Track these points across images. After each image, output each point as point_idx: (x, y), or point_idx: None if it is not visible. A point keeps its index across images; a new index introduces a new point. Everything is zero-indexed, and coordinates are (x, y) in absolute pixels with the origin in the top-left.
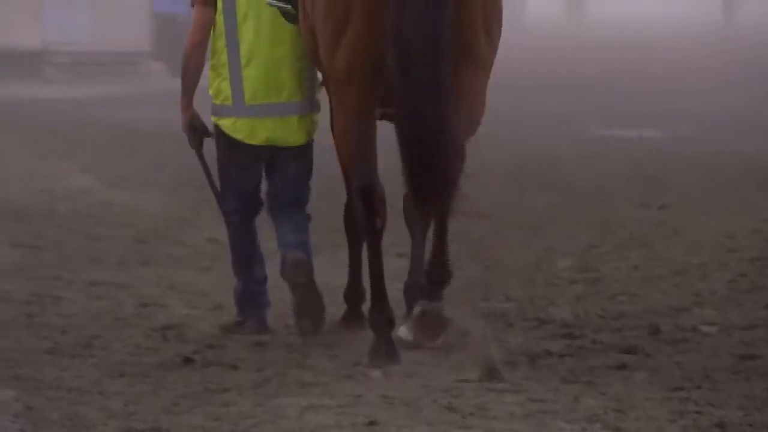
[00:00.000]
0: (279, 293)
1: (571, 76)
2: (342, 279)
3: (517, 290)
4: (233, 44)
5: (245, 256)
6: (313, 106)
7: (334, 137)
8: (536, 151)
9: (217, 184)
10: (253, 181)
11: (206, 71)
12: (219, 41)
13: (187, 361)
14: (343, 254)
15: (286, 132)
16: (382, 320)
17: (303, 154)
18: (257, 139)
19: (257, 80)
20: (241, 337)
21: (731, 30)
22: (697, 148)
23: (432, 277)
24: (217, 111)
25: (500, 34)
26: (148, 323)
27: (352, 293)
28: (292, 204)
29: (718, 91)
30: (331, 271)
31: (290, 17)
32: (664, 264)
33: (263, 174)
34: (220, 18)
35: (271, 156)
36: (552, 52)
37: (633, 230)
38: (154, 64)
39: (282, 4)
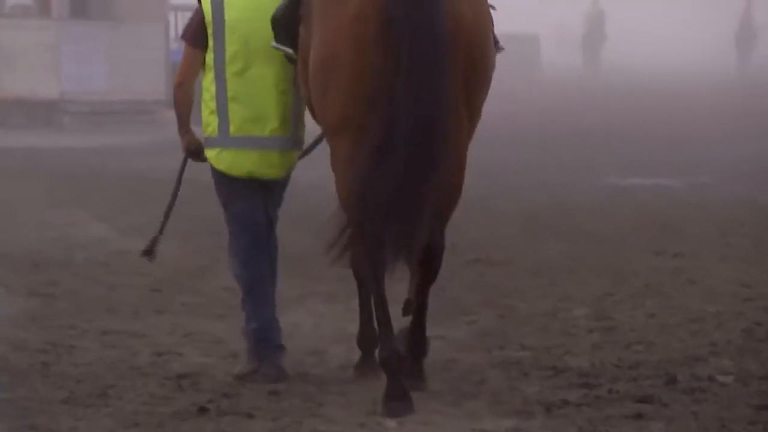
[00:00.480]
0: (289, 333)
1: (586, 125)
2: (356, 327)
3: (533, 339)
4: (221, 80)
5: (257, 294)
6: (296, 143)
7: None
8: (551, 199)
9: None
10: (251, 213)
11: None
12: (208, 77)
13: (202, 410)
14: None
15: (267, 165)
16: (392, 357)
17: (281, 187)
18: (239, 170)
19: (242, 114)
20: (256, 386)
21: (746, 76)
22: (712, 196)
23: (410, 350)
24: (205, 142)
25: (484, 99)
26: (162, 372)
27: (365, 339)
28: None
29: (734, 139)
30: (345, 319)
31: (293, 60)
32: (680, 312)
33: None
34: (210, 55)
35: (260, 188)
36: (567, 101)
37: (648, 278)
38: (170, 113)
39: (285, 48)
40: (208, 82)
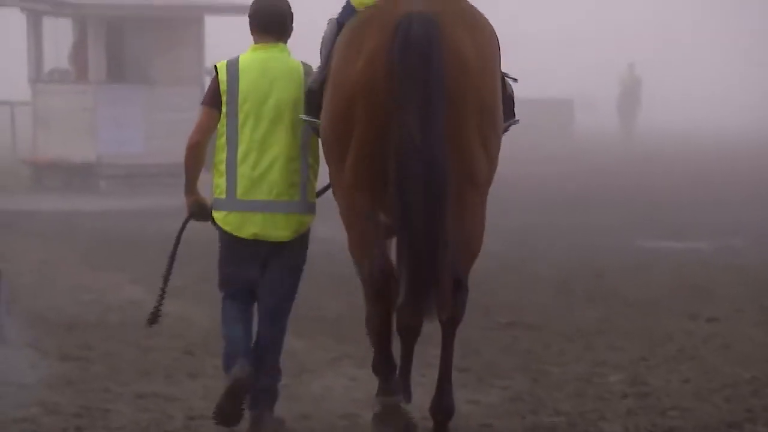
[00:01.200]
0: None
1: (620, 189)
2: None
3: (567, 404)
4: (233, 144)
5: (236, 347)
6: (303, 208)
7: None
8: (584, 262)
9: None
10: (247, 275)
11: None
12: (220, 140)
13: None
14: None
15: (273, 228)
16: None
17: (291, 250)
18: (245, 232)
19: (250, 177)
20: None
21: None
22: (745, 259)
23: (434, 413)
24: (214, 204)
25: (499, 147)
26: None
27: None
28: (272, 295)
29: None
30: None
31: (318, 131)
32: (715, 378)
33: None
34: (223, 120)
35: (266, 252)
36: (601, 164)
37: (683, 343)
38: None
39: (313, 119)
40: (219, 147)
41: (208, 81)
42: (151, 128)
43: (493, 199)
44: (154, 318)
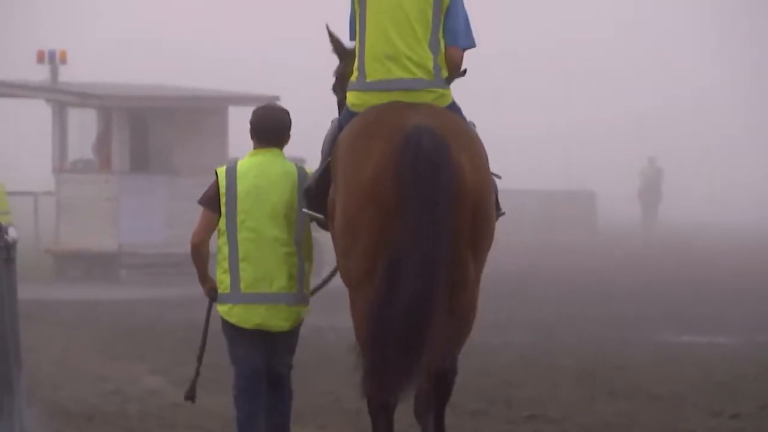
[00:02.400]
0: None
1: (643, 280)
2: None
3: None
4: (233, 242)
5: None
6: (302, 299)
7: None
8: (607, 355)
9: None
10: (253, 363)
11: None
12: (221, 239)
13: None
14: None
15: (275, 318)
16: None
17: (286, 338)
18: (249, 323)
19: (252, 273)
20: None
21: None
22: None
23: None
24: (219, 298)
25: (489, 248)
26: None
27: None
28: (278, 377)
29: None
30: None
31: (323, 225)
32: None
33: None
34: (222, 220)
35: (267, 340)
36: (624, 256)
37: None
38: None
39: (315, 214)
40: (221, 244)
41: None
42: (172, 218)
43: (517, 292)
44: (191, 396)
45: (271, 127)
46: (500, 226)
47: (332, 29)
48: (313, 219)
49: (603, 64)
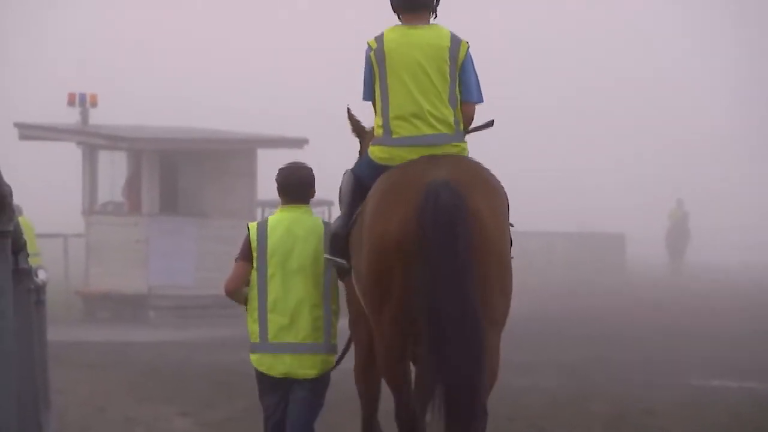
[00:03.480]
0: None
1: (671, 324)
2: None
3: None
4: (263, 294)
5: None
6: (327, 349)
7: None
8: (636, 399)
9: None
10: (275, 419)
11: None
12: (252, 291)
13: None
14: None
15: (300, 367)
16: None
17: (313, 388)
18: (276, 371)
19: (279, 323)
20: None
21: None
22: None
23: None
24: (250, 347)
25: (512, 288)
26: None
27: None
28: (301, 426)
29: None
30: None
31: (343, 273)
32: None
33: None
34: (254, 273)
35: (291, 387)
36: (652, 299)
37: None
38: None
39: (337, 260)
40: (252, 296)
41: (259, 214)
42: (202, 260)
43: (546, 333)
44: None
45: (297, 185)
46: (530, 267)
47: (352, 110)
48: (335, 264)
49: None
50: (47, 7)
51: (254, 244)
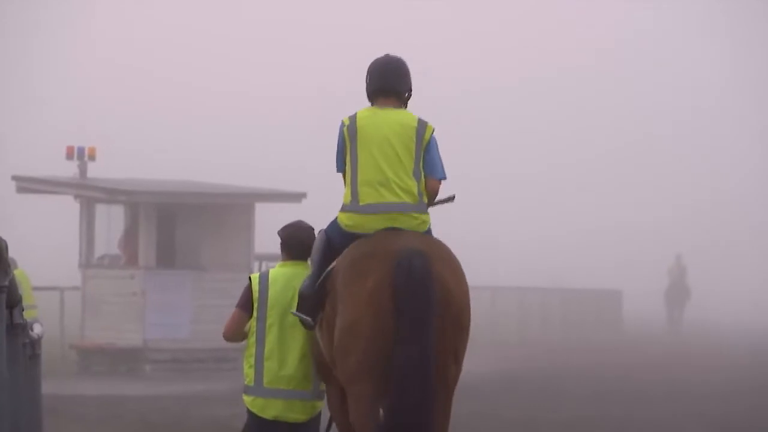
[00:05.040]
0: None
1: (669, 381)
2: None
3: None
4: (261, 343)
5: None
6: (315, 395)
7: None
8: None
9: None
10: None
11: None
12: (251, 338)
13: None
14: None
15: (291, 411)
16: None
17: (308, 428)
18: (268, 414)
19: (274, 370)
20: None
21: None
22: None
23: None
24: (244, 389)
25: (464, 352)
26: None
27: None
28: None
29: None
30: None
31: (308, 326)
32: None
33: None
34: (253, 322)
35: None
36: (650, 356)
37: None
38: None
39: (303, 316)
40: (250, 343)
41: (256, 267)
42: (198, 313)
43: (541, 390)
44: None
45: (299, 244)
46: (527, 323)
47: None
48: (301, 320)
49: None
50: (45, 60)
51: (256, 294)
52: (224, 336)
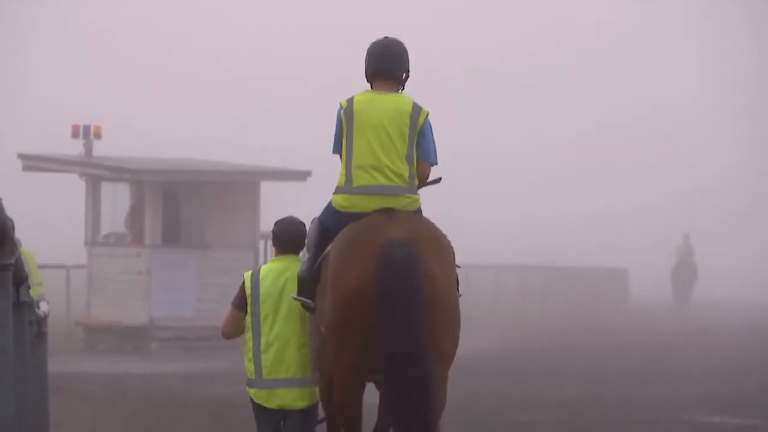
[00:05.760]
0: None
1: (673, 359)
2: None
3: None
4: (257, 337)
5: None
6: (314, 381)
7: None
8: None
9: None
10: None
11: None
12: (247, 333)
13: None
14: None
15: (293, 399)
16: None
17: (307, 415)
18: (271, 404)
19: (271, 362)
20: None
21: None
22: None
23: None
24: (247, 383)
25: (459, 331)
26: None
27: None
28: None
29: None
30: None
31: (309, 309)
32: None
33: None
34: (248, 318)
35: (284, 417)
36: (655, 334)
37: None
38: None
39: (303, 300)
40: (247, 338)
41: (262, 246)
42: (203, 292)
43: (545, 369)
44: None
45: (290, 238)
46: (531, 302)
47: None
48: (302, 304)
49: (635, 149)
50: (51, 39)
51: (248, 292)
52: (222, 335)
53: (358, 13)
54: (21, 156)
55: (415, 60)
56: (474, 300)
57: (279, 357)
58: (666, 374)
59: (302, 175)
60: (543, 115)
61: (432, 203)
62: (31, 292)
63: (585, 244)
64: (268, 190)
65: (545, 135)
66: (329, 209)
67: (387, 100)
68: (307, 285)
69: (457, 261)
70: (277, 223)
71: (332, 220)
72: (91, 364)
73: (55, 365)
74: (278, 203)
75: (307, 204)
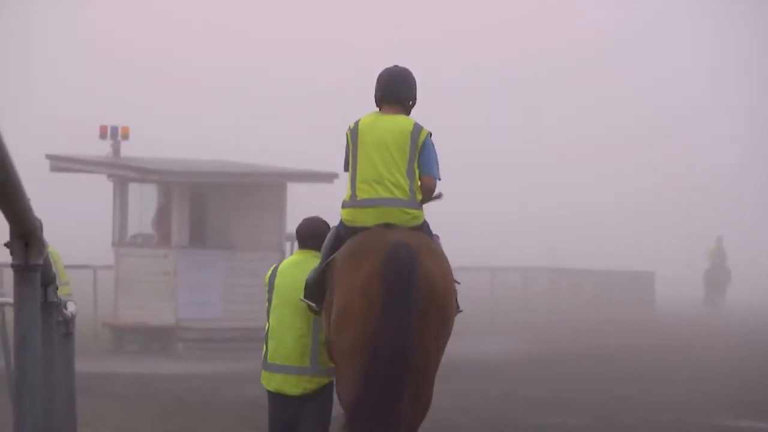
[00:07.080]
0: None
1: (702, 363)
2: None
3: None
4: (268, 323)
5: None
6: (314, 371)
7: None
8: None
9: None
10: (274, 418)
11: None
12: (268, 321)
13: None
14: None
15: (288, 385)
16: None
17: (315, 402)
18: (271, 386)
19: (273, 346)
20: None
21: None
22: None
23: None
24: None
25: (448, 339)
26: None
27: None
28: None
29: None
30: None
31: (314, 311)
32: None
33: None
34: (267, 305)
35: (293, 403)
36: (683, 337)
37: None
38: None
39: (308, 302)
40: (267, 325)
41: (288, 247)
42: (229, 293)
43: (573, 372)
44: None
45: (309, 234)
46: (557, 305)
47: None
48: (308, 306)
49: (635, 149)
50: (80, 41)
51: (267, 287)
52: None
53: (359, 14)
54: (49, 157)
55: (416, 60)
56: (502, 302)
57: (280, 344)
58: (695, 377)
59: (329, 177)
60: (543, 115)
61: (432, 203)
62: (59, 292)
63: (585, 244)
64: (295, 191)
65: (545, 135)
66: (340, 222)
67: (390, 120)
68: (313, 288)
69: (457, 261)
70: (301, 223)
71: (343, 232)
72: (118, 364)
73: (82, 365)
74: (305, 205)
75: (333, 206)
